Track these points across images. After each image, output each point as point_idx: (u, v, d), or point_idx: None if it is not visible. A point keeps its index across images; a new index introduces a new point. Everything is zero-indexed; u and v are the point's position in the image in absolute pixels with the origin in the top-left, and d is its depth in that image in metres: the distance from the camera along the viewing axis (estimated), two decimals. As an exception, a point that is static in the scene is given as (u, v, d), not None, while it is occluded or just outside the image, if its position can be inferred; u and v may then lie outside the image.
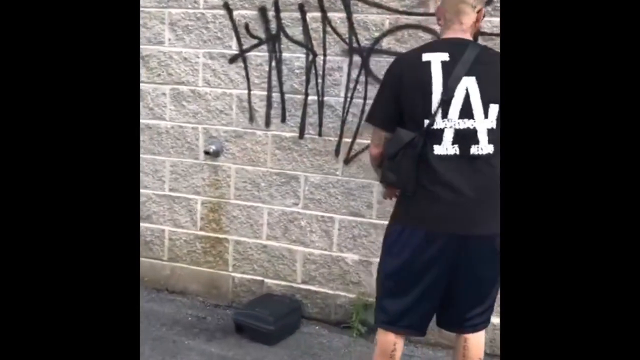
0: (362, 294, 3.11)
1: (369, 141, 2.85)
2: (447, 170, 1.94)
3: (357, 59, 2.98)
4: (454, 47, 1.98)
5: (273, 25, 3.09)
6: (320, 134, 3.10)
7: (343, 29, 2.97)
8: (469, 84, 1.94)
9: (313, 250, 3.20)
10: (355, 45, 2.96)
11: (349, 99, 3.02)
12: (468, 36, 2.03)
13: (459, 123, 1.94)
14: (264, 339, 2.97)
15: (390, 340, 2.14)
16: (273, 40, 3.11)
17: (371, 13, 2.92)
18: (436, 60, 1.94)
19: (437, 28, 2.55)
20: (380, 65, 2.94)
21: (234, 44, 3.19)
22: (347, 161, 3.07)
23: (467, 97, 1.94)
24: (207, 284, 3.44)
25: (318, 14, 3.00)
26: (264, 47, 3.13)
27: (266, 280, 3.31)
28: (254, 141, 3.23)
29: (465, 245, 1.95)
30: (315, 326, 3.21)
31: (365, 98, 2.99)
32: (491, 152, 1.94)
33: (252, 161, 3.25)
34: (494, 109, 1.93)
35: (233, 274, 3.38)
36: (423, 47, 2.09)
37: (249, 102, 3.21)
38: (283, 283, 3.28)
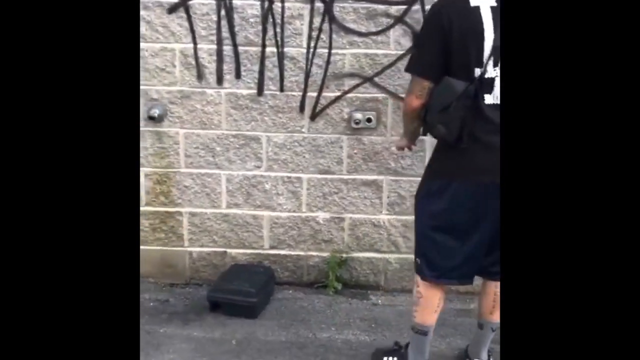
0: (335, 251, 3.04)
1: (335, 94, 2.74)
2: (492, 121, 1.89)
3: (319, 5, 2.77)
4: None
5: (220, -32, 2.74)
6: (281, 89, 2.87)
7: (302, -28, 2.73)
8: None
9: (280, 214, 3.03)
10: (316, -10, 2.75)
11: (312, 50, 2.82)
12: None
13: (497, 70, 1.89)
14: (246, 313, 2.79)
15: (436, 295, 2.13)
16: (221, -15, 2.76)
17: (333, -46, 2.71)
18: (485, 4, 1.85)
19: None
20: (345, 11, 2.77)
21: (172, -10, 2.78)
22: (313, 117, 2.90)
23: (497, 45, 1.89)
24: (159, 263, 3.11)
25: (272, -45, 2.71)
26: (210, -7, 2.77)
27: (229, 250, 3.08)
28: (204, 101, 2.91)
29: (491, 190, 1.93)
30: (289, 290, 3.09)
31: (330, 47, 2.81)
32: None
33: (204, 124, 2.93)
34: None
35: (190, 249, 3.09)
36: None
37: (196, 57, 2.85)
38: (249, 251, 3.08)
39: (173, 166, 2.98)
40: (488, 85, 1.87)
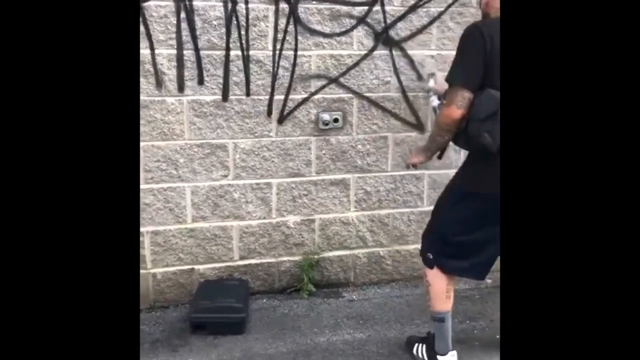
0: (306, 253, 3.03)
1: (302, 96, 2.73)
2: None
3: (284, 5, 2.71)
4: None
5: (178, -33, 2.56)
6: (248, 94, 2.77)
7: (266, -27, 2.66)
8: None
9: (250, 222, 2.93)
10: (281, -10, 2.69)
11: (277, 52, 2.76)
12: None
13: None
14: (233, 330, 2.68)
15: (443, 281, 2.24)
16: (179, -15, 2.58)
17: (296, -46, 2.67)
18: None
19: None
20: (310, 12, 2.75)
21: (124, -9, 2.52)
22: (280, 120, 2.85)
23: None
24: (118, 290, 2.83)
25: (235, -46, 2.60)
26: (168, -6, 2.58)
27: (196, 267, 2.92)
28: (164, 111, 2.70)
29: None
30: (262, 299, 3.02)
31: (296, 49, 2.77)
32: None
33: (165, 135, 2.73)
34: None
35: (153, 271, 2.87)
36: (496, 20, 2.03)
37: (154, 63, 2.64)
38: (218, 265, 2.95)
39: (131, 183, 2.72)
40: None
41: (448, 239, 2.17)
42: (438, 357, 2.30)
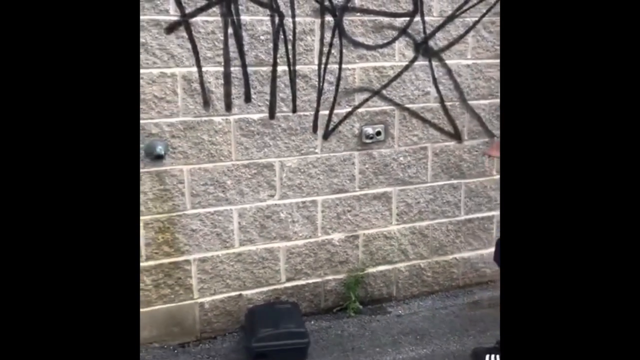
0: (351, 271, 2.97)
1: (346, 110, 2.70)
2: None
3: (329, 18, 2.65)
4: None
5: (225, -19, 2.45)
6: (294, 110, 2.69)
7: (312, -15, 2.59)
8: None
9: (297, 242, 2.84)
10: (326, 3, 2.63)
11: (323, 66, 2.69)
12: None
13: None
14: (299, 356, 2.58)
15: None
16: (227, 0, 2.46)
17: (341, -34, 2.62)
18: None
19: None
20: (354, 24, 2.70)
21: (171, 7, 2.39)
22: (326, 136, 2.78)
23: None
24: (164, 323, 2.67)
25: (282, -33, 2.52)
26: (215, 9, 2.46)
27: (244, 292, 2.79)
28: (211, 131, 2.57)
29: None
30: (311, 321, 2.92)
31: (340, 63, 2.72)
32: None
33: (212, 156, 2.60)
34: None
35: (200, 300, 2.72)
36: None
37: (201, 82, 2.51)
38: (265, 289, 2.83)
39: (177, 209, 2.58)
40: None
41: None
42: None
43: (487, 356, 2.44)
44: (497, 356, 2.41)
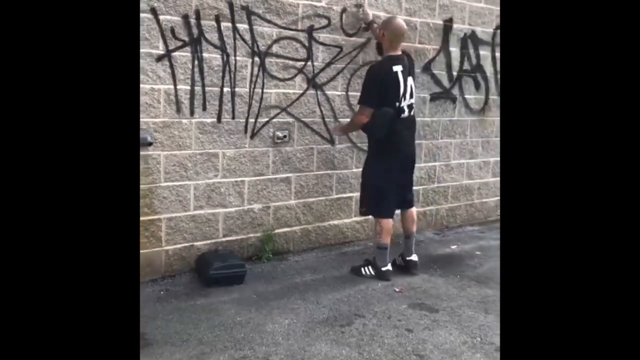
0: (265, 231, 4.33)
1: (265, 119, 4.14)
2: (407, 127, 3.80)
3: (256, 59, 4.07)
4: (401, 61, 3.77)
5: (195, 31, 3.75)
6: (233, 117, 4.03)
7: (247, 37, 4.00)
8: (409, 81, 3.81)
9: (230, 209, 4.14)
10: (255, 49, 4.05)
11: (252, 89, 4.09)
12: (400, 53, 3.84)
13: (408, 101, 3.80)
14: (239, 280, 3.86)
15: (390, 223, 3.86)
16: (195, 43, 3.76)
17: (265, 26, 4.06)
18: (398, 70, 3.71)
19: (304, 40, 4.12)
20: (272, 64, 4.15)
21: (160, 45, 3.64)
22: (252, 136, 4.15)
23: (410, 88, 3.81)
24: (141, 264, 3.79)
25: (229, 24, 3.89)
26: (188, 48, 3.75)
27: (195, 243, 4.01)
28: (180, 129, 3.81)
29: (409, 160, 3.88)
30: (238, 266, 4.20)
31: (262, 88, 4.13)
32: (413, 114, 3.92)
33: (179, 146, 3.83)
34: (413, 91, 3.86)
35: (166, 248, 3.88)
36: (390, 60, 3.74)
37: (175, 95, 3.75)
38: (209, 241, 4.07)
39: (155, 182, 3.75)
40: (402, 109, 3.78)
41: (379, 191, 3.82)
42: (382, 268, 3.88)
43: (362, 268, 3.98)
44: (369, 266, 3.96)
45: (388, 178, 3.84)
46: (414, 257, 4.17)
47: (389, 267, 3.99)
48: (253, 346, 2.98)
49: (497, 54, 5.53)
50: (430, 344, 3.12)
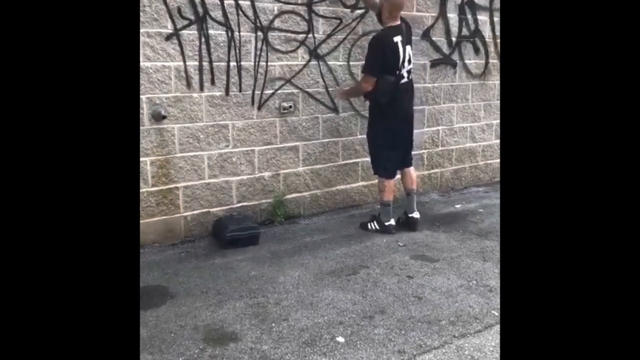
0: (276, 196, 4.61)
1: (270, 92, 4.39)
2: (405, 91, 4.03)
3: (260, 34, 4.32)
4: (400, 30, 3.99)
5: (200, 9, 4.00)
6: (240, 90, 4.29)
7: (250, 13, 4.23)
8: (408, 49, 4.03)
9: (242, 177, 4.42)
10: (258, 24, 4.29)
11: (257, 63, 4.34)
12: (399, 22, 4.06)
13: (407, 67, 4.02)
14: (253, 241, 4.14)
15: (391, 182, 4.12)
16: (201, 21, 4.02)
17: (266, 1, 4.28)
18: (398, 40, 3.93)
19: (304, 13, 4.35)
20: (274, 38, 4.39)
21: (169, 24, 3.90)
22: (259, 107, 4.41)
23: (409, 55, 4.03)
24: (161, 229, 4.10)
25: (232, 2, 4.12)
26: (194, 26, 4.00)
27: (211, 210, 4.31)
28: (191, 102, 4.09)
29: (409, 120, 4.13)
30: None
31: (267, 62, 4.38)
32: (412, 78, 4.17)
33: (192, 119, 4.11)
34: (411, 58, 4.09)
35: (184, 214, 4.19)
36: (390, 31, 3.97)
37: (185, 71, 4.02)
38: (224, 207, 4.37)
39: (171, 153, 4.04)
40: (402, 76, 4.01)
41: (382, 152, 4.08)
42: (385, 223, 4.15)
43: (369, 223, 4.26)
44: (374, 222, 4.24)
45: (388, 138, 4.09)
46: (416, 214, 4.42)
47: (392, 222, 4.26)
48: (266, 294, 3.28)
49: (496, 19, 5.68)
50: (428, 287, 3.38)
